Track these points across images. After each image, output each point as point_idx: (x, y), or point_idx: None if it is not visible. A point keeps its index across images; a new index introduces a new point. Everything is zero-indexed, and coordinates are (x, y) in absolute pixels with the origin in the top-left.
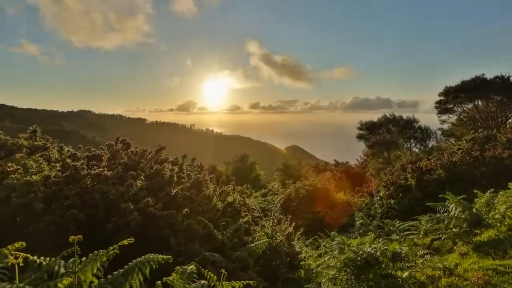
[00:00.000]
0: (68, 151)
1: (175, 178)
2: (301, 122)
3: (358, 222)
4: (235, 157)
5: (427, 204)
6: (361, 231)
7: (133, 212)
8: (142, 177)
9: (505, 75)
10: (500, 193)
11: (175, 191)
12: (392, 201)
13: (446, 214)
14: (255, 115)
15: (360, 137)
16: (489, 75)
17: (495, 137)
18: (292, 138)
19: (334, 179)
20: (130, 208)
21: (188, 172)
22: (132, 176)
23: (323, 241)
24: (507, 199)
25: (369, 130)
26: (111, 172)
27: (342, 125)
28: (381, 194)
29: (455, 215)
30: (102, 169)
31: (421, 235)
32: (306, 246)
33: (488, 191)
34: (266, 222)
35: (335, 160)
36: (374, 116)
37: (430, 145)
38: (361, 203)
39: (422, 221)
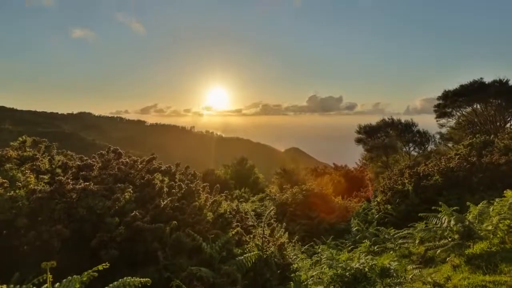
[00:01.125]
0: (59, 161)
1: (165, 189)
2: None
3: (354, 229)
4: (234, 160)
5: (419, 215)
6: (357, 237)
7: (119, 227)
8: (130, 189)
9: (503, 79)
10: (496, 200)
11: (165, 202)
12: (389, 207)
13: (439, 225)
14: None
15: (358, 141)
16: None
17: (492, 142)
18: (292, 141)
19: (333, 183)
20: (116, 222)
21: (179, 183)
22: (120, 188)
23: (318, 247)
24: (501, 208)
25: (367, 134)
26: (97, 186)
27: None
28: (378, 199)
29: (448, 227)
30: (88, 183)
31: (416, 243)
32: (302, 252)
33: (482, 203)
34: (260, 230)
35: (334, 164)
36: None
37: (429, 149)
38: (359, 208)
39: (418, 228)
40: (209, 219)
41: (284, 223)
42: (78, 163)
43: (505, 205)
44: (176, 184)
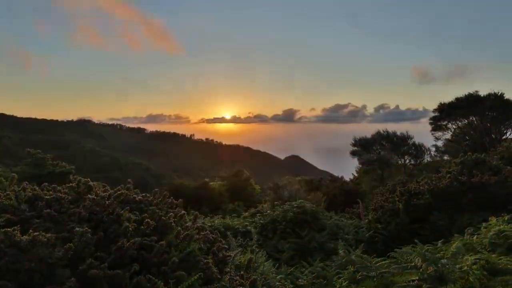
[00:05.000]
0: (25, 195)
1: (133, 225)
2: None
3: (341, 251)
4: (231, 171)
5: (395, 250)
6: (343, 260)
7: (71, 278)
8: (89, 233)
9: (498, 93)
10: (483, 225)
11: (128, 244)
12: (379, 226)
13: (413, 264)
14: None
15: (353, 153)
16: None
17: (484, 161)
18: (292, 148)
19: (327, 197)
20: (67, 274)
21: (146, 220)
22: (78, 233)
23: (304, 270)
24: (483, 240)
25: (362, 147)
26: (49, 235)
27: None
28: (370, 217)
29: (421, 268)
30: (37, 233)
31: (400, 270)
32: (288, 274)
33: (466, 233)
34: (245, 254)
35: (330, 176)
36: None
37: (425, 161)
38: (349, 225)
39: (404, 255)
40: (175, 258)
41: (273, 241)
42: (47, 197)
43: (487, 236)
44: (145, 221)
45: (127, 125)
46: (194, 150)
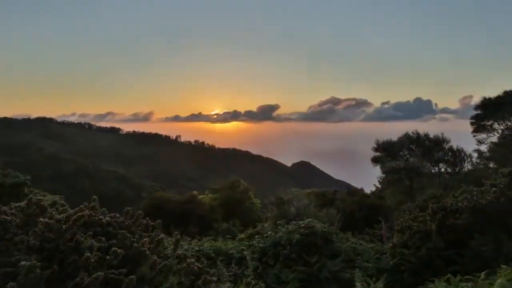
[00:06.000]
0: None
1: (93, 260)
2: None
3: (358, 283)
4: (225, 181)
5: (421, 285)
6: None
7: None
8: (37, 268)
9: None
10: None
11: (89, 279)
12: (406, 251)
13: None
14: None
15: (375, 160)
16: None
17: None
18: (302, 153)
19: (343, 215)
20: None
21: (114, 249)
22: (24, 268)
23: None
24: None
25: (387, 152)
26: None
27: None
28: (394, 241)
29: None
30: None
31: None
32: None
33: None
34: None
35: (348, 187)
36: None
37: (465, 170)
38: (370, 250)
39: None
40: None
41: (275, 270)
42: None
43: None
44: (112, 249)
45: (98, 124)
46: (180, 154)
